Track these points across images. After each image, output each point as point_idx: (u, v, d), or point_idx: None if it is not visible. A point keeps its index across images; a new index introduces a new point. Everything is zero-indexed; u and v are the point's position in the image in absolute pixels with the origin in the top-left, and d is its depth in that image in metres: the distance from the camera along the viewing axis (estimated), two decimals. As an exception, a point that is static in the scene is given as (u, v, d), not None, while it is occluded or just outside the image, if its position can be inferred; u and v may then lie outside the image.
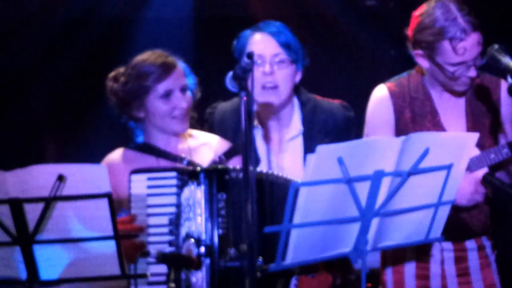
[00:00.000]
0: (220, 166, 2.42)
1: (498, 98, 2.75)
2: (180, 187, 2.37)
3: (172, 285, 2.17)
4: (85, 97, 4.48)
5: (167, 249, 2.33)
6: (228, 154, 2.59)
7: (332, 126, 2.82)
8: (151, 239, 2.34)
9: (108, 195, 2.10)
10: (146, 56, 2.58)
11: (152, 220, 2.36)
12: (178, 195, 2.37)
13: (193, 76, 2.71)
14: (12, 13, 4.32)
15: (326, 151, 2.04)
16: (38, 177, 2.10)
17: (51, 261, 2.16)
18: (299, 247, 2.10)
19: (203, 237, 2.31)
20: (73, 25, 4.44)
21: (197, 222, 2.32)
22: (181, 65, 2.61)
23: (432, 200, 2.25)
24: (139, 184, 2.38)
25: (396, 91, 2.75)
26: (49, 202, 2.09)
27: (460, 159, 2.22)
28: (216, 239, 2.32)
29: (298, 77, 2.84)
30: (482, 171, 2.59)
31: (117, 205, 2.45)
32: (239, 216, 2.33)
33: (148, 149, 2.58)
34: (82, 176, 2.11)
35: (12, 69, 4.42)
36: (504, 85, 2.73)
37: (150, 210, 2.37)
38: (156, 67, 2.54)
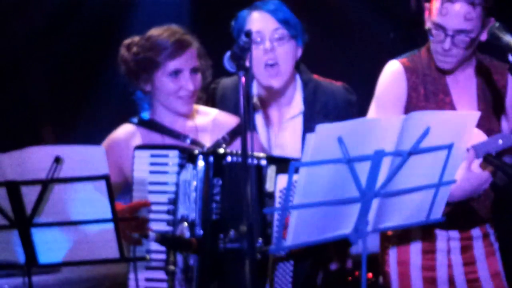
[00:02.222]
0: (218, 150, 2.38)
1: (505, 84, 2.73)
2: (181, 166, 2.35)
3: (172, 267, 2.16)
4: (82, 79, 4.45)
5: (165, 228, 2.32)
6: (233, 134, 2.55)
7: (333, 107, 2.80)
8: (151, 216, 2.34)
9: (106, 177, 2.08)
10: (162, 30, 2.53)
11: (152, 197, 2.35)
12: (179, 174, 2.35)
13: (207, 58, 2.67)
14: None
15: (326, 131, 2.01)
16: (35, 159, 2.08)
17: (49, 245, 2.15)
18: (299, 228, 2.08)
19: (197, 221, 2.29)
20: (69, 7, 4.40)
21: (191, 206, 2.30)
22: (196, 46, 2.56)
23: (433, 180, 2.22)
24: (142, 161, 2.37)
25: (410, 66, 2.71)
26: (46, 184, 2.08)
27: (461, 138, 2.20)
28: (208, 225, 2.30)
29: (299, 53, 2.81)
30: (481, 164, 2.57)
31: (124, 180, 2.45)
32: (235, 202, 2.31)
33: (153, 125, 2.55)
34: (79, 158, 2.09)
35: (7, 52, 4.39)
36: None
37: (151, 187, 2.36)
38: (169, 44, 2.49)
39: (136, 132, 2.55)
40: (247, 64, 2.24)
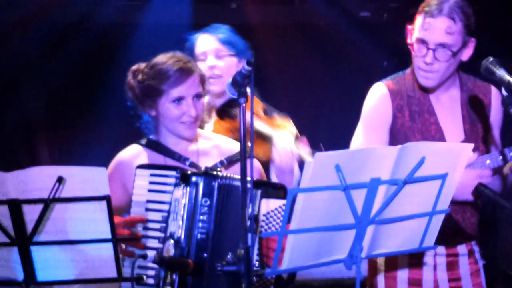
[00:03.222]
0: (209, 171, 2.45)
1: (488, 103, 2.80)
2: (176, 185, 2.42)
3: (169, 288, 2.19)
4: (81, 99, 4.49)
5: (157, 245, 2.38)
6: (231, 159, 2.63)
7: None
8: (146, 233, 2.41)
9: (106, 198, 2.11)
10: (166, 58, 2.61)
11: (149, 215, 2.43)
12: (172, 193, 2.43)
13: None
14: (11, 14, 4.33)
15: (324, 158, 2.06)
16: (38, 179, 2.11)
17: (49, 263, 2.17)
18: (294, 252, 2.12)
19: (182, 239, 2.36)
20: (71, 28, 4.45)
21: (178, 224, 2.38)
22: (198, 72, 2.65)
23: (427, 208, 2.27)
24: (142, 179, 2.45)
25: (394, 89, 2.78)
26: (48, 203, 2.11)
27: (455, 168, 2.25)
28: (193, 243, 2.37)
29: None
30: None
31: (129, 200, 2.49)
32: (222, 223, 2.38)
33: (157, 147, 2.64)
34: (81, 179, 2.12)
35: (8, 70, 4.43)
36: (494, 91, 2.80)
37: (148, 205, 2.44)
38: (173, 72, 2.57)
39: (142, 153, 2.63)
40: (248, 91, 2.29)
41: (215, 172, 2.44)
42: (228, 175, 2.44)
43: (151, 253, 2.36)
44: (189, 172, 2.43)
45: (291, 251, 2.11)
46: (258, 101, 3.13)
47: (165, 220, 2.41)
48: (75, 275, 2.17)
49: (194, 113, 2.59)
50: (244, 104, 2.27)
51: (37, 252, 2.15)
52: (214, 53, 3.17)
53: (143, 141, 2.67)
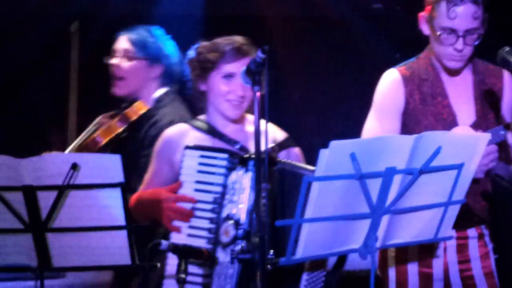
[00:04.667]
0: (270, 156, 2.43)
1: (501, 87, 2.80)
2: (229, 169, 2.44)
3: (183, 275, 2.19)
4: (92, 90, 4.49)
5: (208, 225, 2.42)
6: (281, 145, 2.65)
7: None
8: (195, 213, 2.43)
9: (121, 185, 2.11)
10: (230, 37, 2.68)
11: (198, 195, 2.45)
12: (226, 176, 2.44)
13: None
14: (24, 6, 4.34)
15: (339, 147, 2.05)
16: (52, 165, 2.12)
17: (63, 249, 2.17)
18: (309, 242, 2.11)
19: (242, 221, 2.38)
20: (83, 19, 4.45)
21: (239, 206, 2.39)
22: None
23: (442, 199, 2.26)
24: (192, 160, 2.47)
25: (407, 74, 2.77)
26: (62, 190, 2.11)
27: (471, 159, 2.24)
28: (254, 226, 2.35)
29: (153, 73, 3.20)
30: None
31: (173, 176, 2.55)
32: (283, 208, 2.42)
33: (205, 128, 2.66)
34: (95, 165, 2.13)
35: (20, 61, 4.44)
36: (506, 75, 2.80)
37: (198, 186, 2.46)
38: (229, 49, 2.62)
39: (190, 132, 2.66)
40: (263, 79, 2.29)
41: (274, 157, 2.47)
42: (288, 161, 2.48)
43: (195, 231, 2.40)
44: (248, 156, 2.45)
45: (305, 240, 2.10)
46: (140, 105, 3.18)
47: (218, 202, 2.43)
48: (89, 262, 2.18)
49: (241, 93, 2.60)
50: (258, 92, 2.27)
51: (51, 239, 2.16)
52: (122, 53, 3.17)
53: (191, 121, 2.71)
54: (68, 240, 2.17)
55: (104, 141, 3.08)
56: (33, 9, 4.39)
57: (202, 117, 2.72)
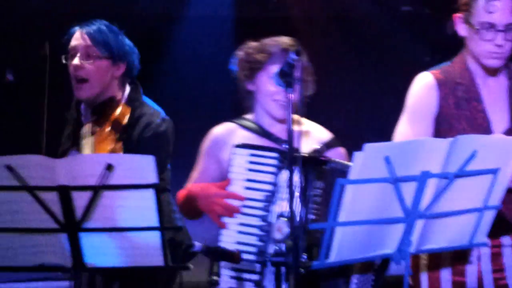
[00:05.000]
0: (320, 156, 2.52)
1: None
2: (279, 168, 2.48)
3: (215, 278, 2.19)
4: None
5: (258, 222, 2.46)
6: (328, 145, 2.68)
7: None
8: (245, 210, 2.48)
9: (154, 186, 2.12)
10: (278, 38, 2.71)
11: (248, 193, 2.49)
12: (276, 175, 2.47)
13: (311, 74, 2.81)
14: (58, 6, 4.39)
15: (374, 150, 2.04)
16: (87, 166, 2.12)
17: (97, 249, 2.18)
18: (343, 245, 2.10)
19: (295, 218, 2.36)
20: (114, 20, 4.48)
21: (292, 204, 2.39)
22: (303, 60, 2.69)
23: (478, 204, 2.23)
24: (242, 158, 2.51)
25: (442, 78, 2.74)
26: (97, 190, 2.12)
27: (507, 163, 2.21)
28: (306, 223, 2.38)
29: (117, 72, 2.89)
30: None
31: (220, 174, 2.61)
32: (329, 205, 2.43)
33: (253, 127, 2.70)
34: (129, 166, 2.13)
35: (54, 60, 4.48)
36: None
37: (248, 184, 2.50)
38: (277, 50, 2.65)
39: (237, 131, 2.70)
40: (296, 81, 2.29)
41: (323, 157, 2.51)
42: (337, 160, 2.50)
43: (245, 229, 2.45)
44: (299, 155, 2.45)
45: (339, 244, 2.09)
46: (124, 110, 2.86)
47: (268, 200, 2.46)
48: (123, 263, 2.19)
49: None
50: (291, 94, 2.27)
51: (85, 239, 2.17)
52: (84, 52, 2.84)
53: (238, 120, 2.74)
54: (102, 240, 2.18)
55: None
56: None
57: (249, 116, 2.75)
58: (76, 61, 2.81)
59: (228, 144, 2.61)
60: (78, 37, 2.85)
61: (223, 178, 2.55)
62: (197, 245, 2.17)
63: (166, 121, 2.87)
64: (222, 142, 2.68)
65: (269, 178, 2.48)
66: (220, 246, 2.31)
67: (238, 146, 2.53)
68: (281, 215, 2.43)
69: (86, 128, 2.86)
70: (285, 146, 2.56)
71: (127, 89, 2.94)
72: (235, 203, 2.47)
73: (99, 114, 2.83)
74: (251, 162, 2.49)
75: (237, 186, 2.49)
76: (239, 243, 2.45)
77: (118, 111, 2.85)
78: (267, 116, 2.69)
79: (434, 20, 5.92)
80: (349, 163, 2.46)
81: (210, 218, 2.49)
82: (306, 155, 2.50)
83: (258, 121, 2.72)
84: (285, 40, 2.69)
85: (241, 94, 2.75)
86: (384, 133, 2.93)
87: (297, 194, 2.41)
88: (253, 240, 2.44)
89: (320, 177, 2.43)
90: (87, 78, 2.81)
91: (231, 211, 2.47)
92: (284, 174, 2.45)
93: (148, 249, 2.17)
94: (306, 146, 2.64)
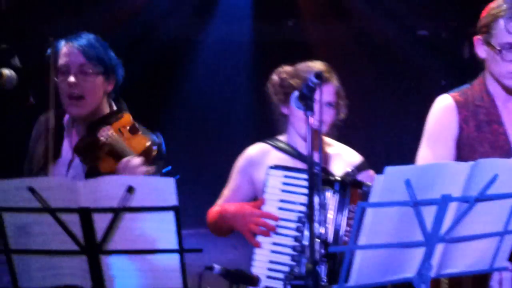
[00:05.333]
0: (355, 180, 2.58)
1: None
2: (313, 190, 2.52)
3: (234, 300, 2.19)
4: (142, 114, 4.55)
5: (291, 242, 2.52)
6: (359, 168, 2.74)
7: None
8: (279, 230, 2.54)
9: (174, 208, 2.13)
10: (311, 63, 2.78)
11: (282, 214, 2.55)
12: (311, 196, 2.50)
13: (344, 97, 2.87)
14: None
15: (394, 173, 2.03)
16: (108, 188, 2.14)
17: (116, 272, 2.19)
18: (363, 269, 2.09)
19: (329, 239, 2.47)
20: (134, 44, 4.55)
21: (326, 226, 2.50)
22: (335, 83, 2.78)
23: (498, 228, 2.21)
24: (276, 179, 2.58)
25: (461, 100, 2.74)
26: (117, 212, 2.13)
27: (528, 187, 2.19)
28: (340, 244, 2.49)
29: (109, 87, 2.84)
30: None
31: (253, 193, 2.70)
32: None
33: (287, 149, 2.77)
34: (150, 188, 2.14)
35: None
36: None
37: (282, 205, 2.56)
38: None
39: (271, 152, 2.78)
40: (316, 104, 2.31)
41: (358, 180, 2.58)
42: (369, 183, 2.53)
43: (279, 248, 2.52)
44: (334, 178, 2.57)
45: (359, 267, 2.08)
46: (128, 118, 2.82)
47: (302, 221, 2.52)
48: (142, 285, 2.19)
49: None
50: (311, 117, 2.29)
51: (105, 261, 2.18)
52: (78, 69, 2.74)
53: (272, 141, 2.81)
54: (122, 262, 2.18)
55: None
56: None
57: (282, 137, 2.82)
58: (71, 79, 2.73)
59: (262, 165, 2.68)
60: (69, 53, 2.76)
61: (255, 198, 2.61)
62: (216, 267, 2.17)
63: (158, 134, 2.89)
64: (256, 162, 2.75)
65: (302, 199, 2.53)
66: (239, 269, 2.31)
67: (272, 167, 2.60)
68: (316, 236, 2.41)
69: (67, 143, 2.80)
70: (318, 168, 2.63)
71: (113, 104, 2.89)
72: (270, 222, 2.53)
73: (94, 130, 2.75)
74: (285, 184, 2.56)
75: (271, 207, 2.55)
76: (272, 262, 2.52)
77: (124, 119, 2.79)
78: (300, 139, 2.74)
79: (450, 44, 5.93)
80: None
81: (245, 237, 2.55)
82: (340, 178, 2.55)
83: (291, 143, 2.78)
84: (318, 65, 2.75)
85: (275, 116, 2.82)
86: (403, 155, 2.93)
87: (330, 216, 2.48)
88: (285, 259, 2.50)
89: (354, 200, 2.47)
90: (83, 95, 2.74)
91: (267, 231, 2.52)
92: (320, 196, 2.49)
93: (168, 272, 2.17)
94: (338, 169, 2.72)
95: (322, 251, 2.41)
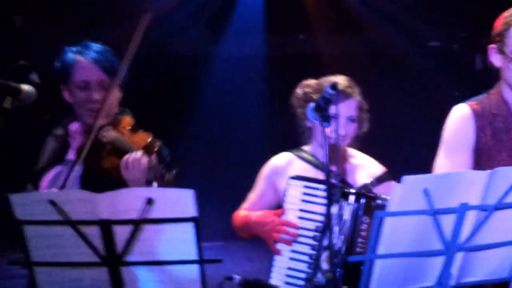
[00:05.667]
0: (368, 192, 2.62)
1: None
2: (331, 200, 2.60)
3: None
4: (155, 128, 4.59)
5: (309, 251, 2.60)
6: (379, 179, 2.78)
7: None
8: (298, 239, 2.62)
9: (194, 219, 2.14)
10: (334, 78, 2.82)
11: (301, 223, 2.63)
12: (329, 207, 2.57)
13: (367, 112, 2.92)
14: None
15: (412, 182, 2.04)
16: (128, 200, 2.15)
17: (136, 283, 2.20)
18: (382, 278, 2.10)
19: (342, 251, 2.53)
20: (146, 60, 4.59)
21: (340, 237, 2.56)
22: (357, 98, 2.82)
23: (517, 236, 2.21)
24: (296, 189, 2.65)
25: (478, 109, 2.75)
26: (137, 224, 2.15)
27: (547, 195, 2.19)
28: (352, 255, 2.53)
29: (120, 95, 2.86)
30: None
31: (276, 201, 2.77)
32: None
33: (311, 160, 2.84)
34: (169, 200, 2.16)
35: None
36: None
37: (301, 214, 2.64)
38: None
39: (295, 162, 2.84)
40: (332, 114, 2.33)
41: (372, 193, 2.61)
42: (384, 196, 2.58)
43: (297, 256, 2.59)
44: (350, 190, 2.62)
45: (378, 276, 2.08)
46: (128, 120, 2.84)
47: (319, 230, 2.59)
48: (162, 296, 2.20)
49: (342, 132, 2.76)
50: (327, 128, 2.30)
51: (126, 273, 2.19)
52: (98, 85, 2.76)
53: (296, 151, 2.88)
54: (141, 274, 2.20)
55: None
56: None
57: (306, 148, 2.87)
58: (95, 96, 2.76)
59: (286, 174, 2.74)
60: (87, 68, 2.76)
61: (280, 205, 2.66)
62: (236, 278, 2.18)
63: None
64: (280, 171, 2.82)
65: (321, 209, 2.60)
66: (258, 279, 2.31)
67: (293, 177, 2.67)
68: (329, 247, 2.51)
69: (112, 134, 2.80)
70: (338, 179, 2.64)
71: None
72: (291, 231, 2.61)
73: (95, 133, 2.75)
74: (305, 194, 2.63)
75: (291, 216, 2.63)
76: (290, 269, 2.59)
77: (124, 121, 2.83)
78: (322, 150, 2.76)
79: (462, 55, 5.93)
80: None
81: (268, 244, 2.62)
82: (355, 190, 2.59)
83: (315, 154, 2.83)
84: (341, 80, 2.79)
85: (300, 128, 2.87)
86: (415, 167, 2.93)
87: (345, 227, 2.53)
88: (303, 266, 2.55)
89: (367, 212, 2.51)
90: (104, 107, 2.77)
91: (286, 239, 2.60)
92: (336, 207, 2.56)
93: (187, 282, 2.18)
94: (360, 180, 2.76)
95: (334, 260, 2.46)
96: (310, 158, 2.83)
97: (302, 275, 2.57)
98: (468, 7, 5.51)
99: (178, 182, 2.66)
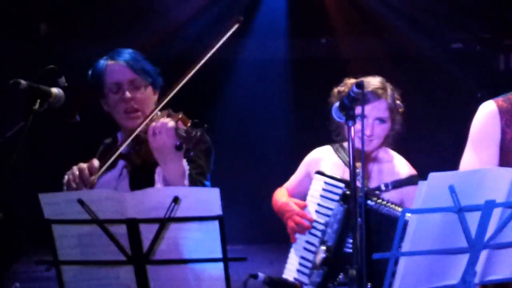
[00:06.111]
0: (368, 194, 2.68)
1: None
2: (338, 200, 2.74)
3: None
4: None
5: (317, 243, 2.74)
6: (398, 183, 2.80)
7: None
8: (312, 231, 2.78)
9: (219, 218, 2.16)
10: (370, 79, 2.87)
11: (316, 216, 2.80)
12: (338, 205, 2.73)
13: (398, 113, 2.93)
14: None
15: (438, 179, 2.04)
16: (154, 199, 2.18)
17: (162, 281, 2.22)
18: (406, 275, 2.10)
19: (332, 249, 2.67)
20: (170, 65, 4.62)
21: (332, 235, 2.71)
22: (388, 99, 2.84)
23: (544, 233, 2.19)
24: (318, 184, 2.81)
25: (504, 106, 2.74)
26: (164, 223, 2.17)
27: None
28: (340, 256, 2.67)
29: (156, 97, 2.87)
30: None
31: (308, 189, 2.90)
32: (368, 243, 2.55)
33: (343, 156, 2.90)
34: (195, 199, 2.18)
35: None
36: None
37: (318, 208, 2.79)
38: (369, 90, 2.80)
39: (330, 155, 2.94)
40: (358, 114, 2.34)
41: (367, 195, 2.67)
42: (380, 200, 2.64)
43: (308, 246, 2.75)
44: (348, 192, 2.70)
45: (402, 274, 2.08)
46: (163, 114, 2.72)
47: (327, 225, 2.74)
48: (187, 294, 2.22)
49: (369, 132, 2.81)
50: (352, 127, 2.31)
51: (151, 271, 2.22)
52: (129, 84, 2.76)
53: (335, 146, 2.96)
54: (167, 272, 2.22)
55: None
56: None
57: (346, 144, 2.91)
58: (127, 94, 2.75)
59: (319, 166, 2.86)
60: (117, 70, 2.78)
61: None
62: (260, 275, 2.19)
63: None
64: (315, 162, 2.93)
65: (332, 206, 2.74)
66: (282, 278, 2.33)
67: (317, 172, 2.82)
68: (323, 242, 2.69)
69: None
70: (358, 177, 2.65)
71: None
72: (305, 222, 2.77)
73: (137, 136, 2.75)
74: (324, 190, 2.77)
75: (311, 208, 2.79)
76: (302, 258, 2.76)
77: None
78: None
79: (484, 57, 5.90)
80: (398, 209, 2.62)
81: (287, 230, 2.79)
82: (349, 193, 2.63)
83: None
84: (372, 82, 2.83)
85: (331, 126, 2.91)
86: (437, 168, 2.92)
87: (336, 226, 2.67)
88: (310, 257, 2.73)
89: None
90: (138, 108, 2.78)
91: (301, 229, 2.78)
92: (337, 207, 2.70)
93: (212, 280, 2.20)
94: (383, 180, 2.80)
95: (323, 255, 2.65)
96: (344, 154, 2.89)
97: (309, 264, 2.71)
98: (490, 8, 5.48)
99: (206, 140, 2.66)
